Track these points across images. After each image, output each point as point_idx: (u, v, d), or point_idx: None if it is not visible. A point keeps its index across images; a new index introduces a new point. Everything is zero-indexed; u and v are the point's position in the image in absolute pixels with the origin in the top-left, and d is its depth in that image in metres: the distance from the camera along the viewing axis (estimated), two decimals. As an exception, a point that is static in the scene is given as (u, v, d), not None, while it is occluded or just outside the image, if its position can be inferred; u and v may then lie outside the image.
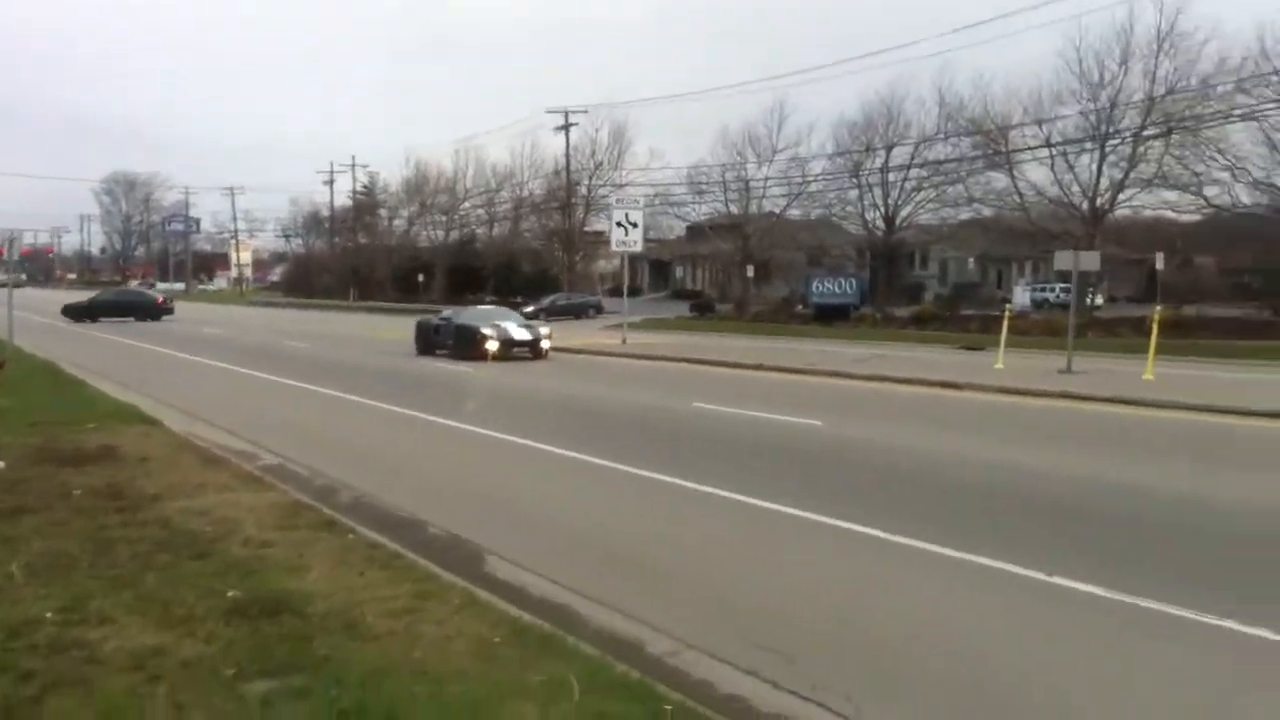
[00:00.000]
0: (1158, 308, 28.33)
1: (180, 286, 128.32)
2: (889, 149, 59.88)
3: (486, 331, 30.88)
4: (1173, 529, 9.96)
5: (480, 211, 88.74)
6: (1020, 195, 52.04)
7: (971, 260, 74.84)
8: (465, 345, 30.86)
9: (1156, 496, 11.44)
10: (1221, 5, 46.15)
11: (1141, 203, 50.50)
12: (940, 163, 57.66)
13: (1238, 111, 42.89)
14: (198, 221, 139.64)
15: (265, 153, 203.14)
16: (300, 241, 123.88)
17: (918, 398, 21.80)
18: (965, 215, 60.18)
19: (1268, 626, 6.92)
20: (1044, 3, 75.13)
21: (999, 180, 54.17)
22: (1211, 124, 44.30)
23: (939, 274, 77.31)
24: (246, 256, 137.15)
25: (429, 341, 33.23)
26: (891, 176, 59.97)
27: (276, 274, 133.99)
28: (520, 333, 31.71)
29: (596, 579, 8.24)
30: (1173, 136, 45.66)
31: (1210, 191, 45.35)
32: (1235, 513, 10.71)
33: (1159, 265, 42.21)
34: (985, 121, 53.67)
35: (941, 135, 57.28)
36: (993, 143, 53.10)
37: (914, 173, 59.15)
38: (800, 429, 16.80)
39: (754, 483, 11.79)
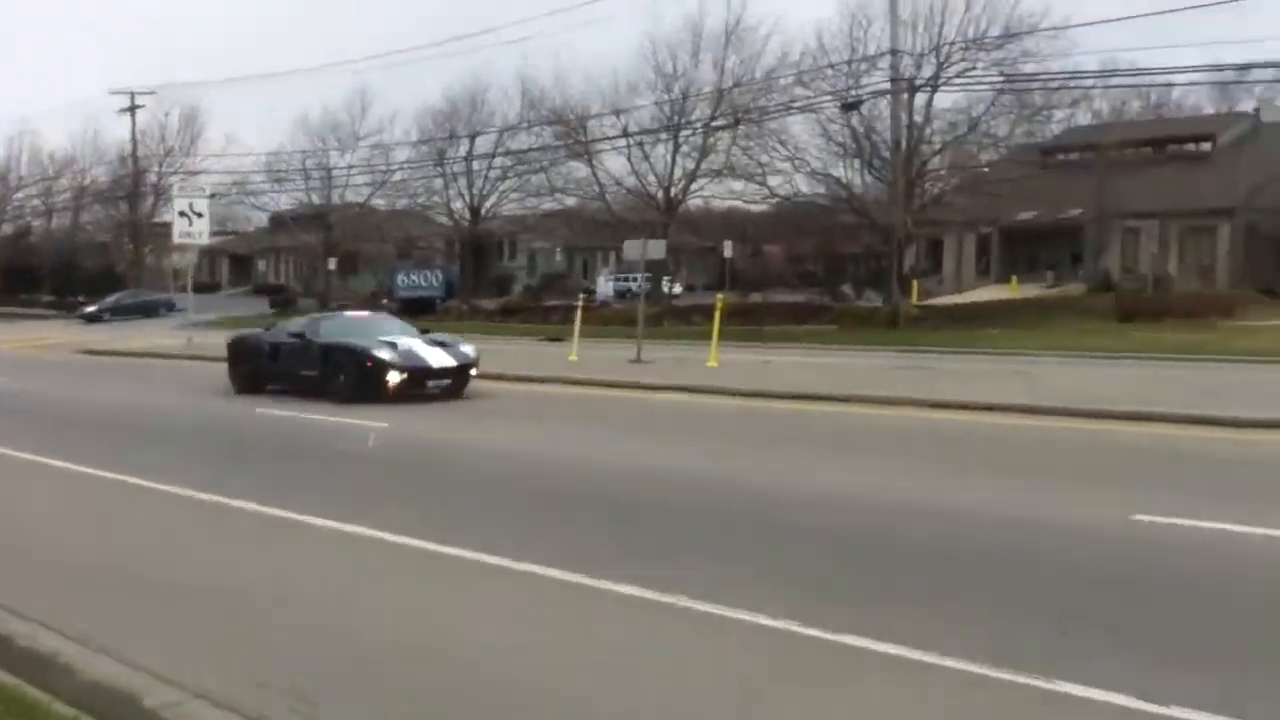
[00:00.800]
0: (720, 296, 29.64)
1: None
2: (473, 137, 60.26)
3: (383, 356, 19.65)
4: (686, 514, 10.06)
5: (37, 202, 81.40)
6: (600, 185, 53.87)
7: (558, 251, 76.35)
8: (348, 378, 19.69)
9: (684, 481, 11.67)
10: (785, 2, 49.01)
11: (713, 193, 53.66)
12: (523, 152, 58.40)
13: (797, 104, 45.57)
14: None
15: None
16: None
17: (488, 393, 21.58)
18: (549, 205, 61.48)
19: (682, 592, 6.84)
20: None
21: (580, 170, 55.86)
22: (774, 116, 47.08)
23: (528, 265, 78.57)
24: None
25: (260, 371, 21.92)
26: (476, 165, 60.38)
27: None
28: (438, 356, 20.32)
29: (109, 617, 7.24)
30: (739, 128, 48.23)
31: (774, 181, 48.31)
32: (750, 492, 10.97)
33: (728, 253, 44.29)
34: (566, 111, 55.01)
35: (524, 124, 58.14)
36: (573, 133, 54.37)
37: (498, 162, 59.76)
38: (366, 431, 16.15)
39: (291, 493, 11.11)
